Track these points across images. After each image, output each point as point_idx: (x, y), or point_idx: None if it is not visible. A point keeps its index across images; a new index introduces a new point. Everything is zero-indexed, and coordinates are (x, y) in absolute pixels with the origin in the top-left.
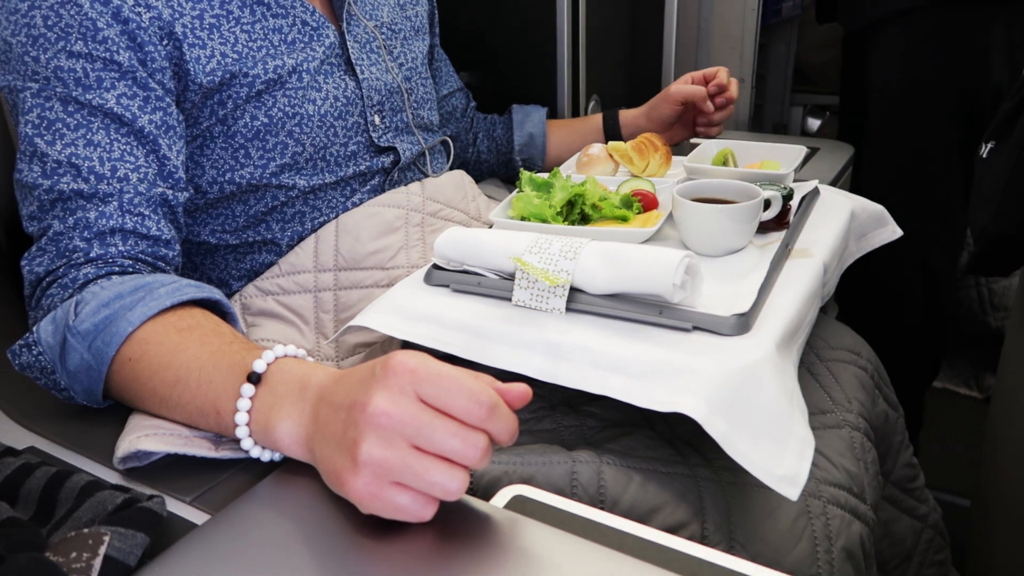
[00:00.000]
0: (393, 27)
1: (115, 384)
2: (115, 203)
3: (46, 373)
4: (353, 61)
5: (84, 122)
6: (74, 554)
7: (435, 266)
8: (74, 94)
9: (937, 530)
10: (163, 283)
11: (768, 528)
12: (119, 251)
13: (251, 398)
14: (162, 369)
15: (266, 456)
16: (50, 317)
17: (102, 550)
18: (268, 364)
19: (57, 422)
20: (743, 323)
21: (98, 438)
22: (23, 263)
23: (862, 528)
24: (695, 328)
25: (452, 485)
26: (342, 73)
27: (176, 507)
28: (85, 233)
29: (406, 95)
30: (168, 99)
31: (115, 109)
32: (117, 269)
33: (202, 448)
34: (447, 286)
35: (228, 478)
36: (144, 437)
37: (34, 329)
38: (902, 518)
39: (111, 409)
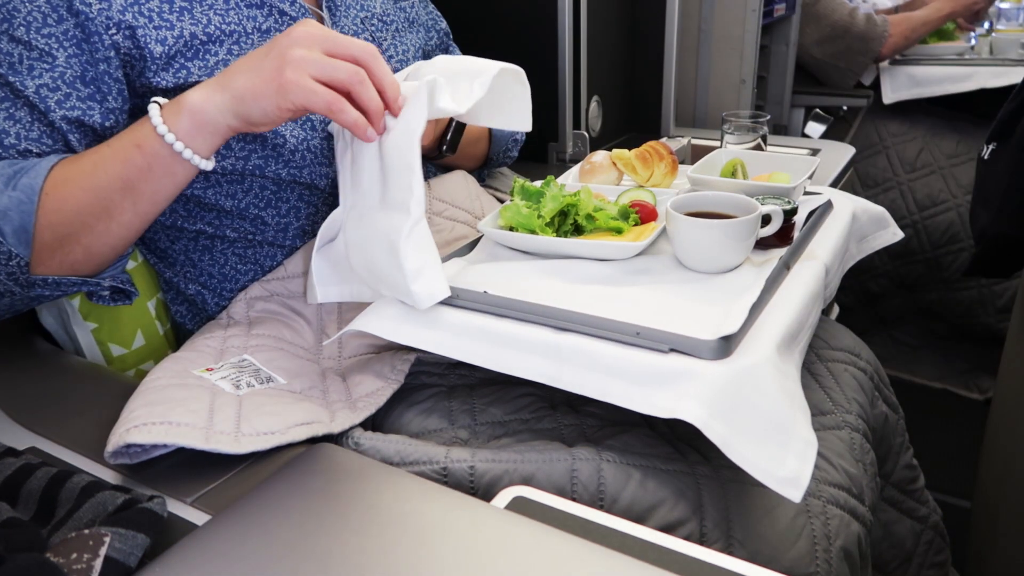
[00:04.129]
0: (385, 19)
1: (48, 221)
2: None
3: None
4: None
5: (10, 97)
6: (75, 555)
7: None
8: (3, 72)
9: (937, 531)
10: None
11: (767, 526)
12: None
13: (159, 106)
14: (78, 172)
15: (197, 161)
16: None
17: (102, 551)
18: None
19: (58, 422)
20: (724, 347)
21: (98, 438)
22: None
23: (860, 529)
24: (672, 350)
25: (357, 77)
26: None
27: (176, 508)
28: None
29: None
30: (103, 94)
31: (32, 98)
32: None
33: (192, 440)
34: None
35: (228, 479)
36: (133, 429)
37: None
38: (902, 520)
39: (113, 410)
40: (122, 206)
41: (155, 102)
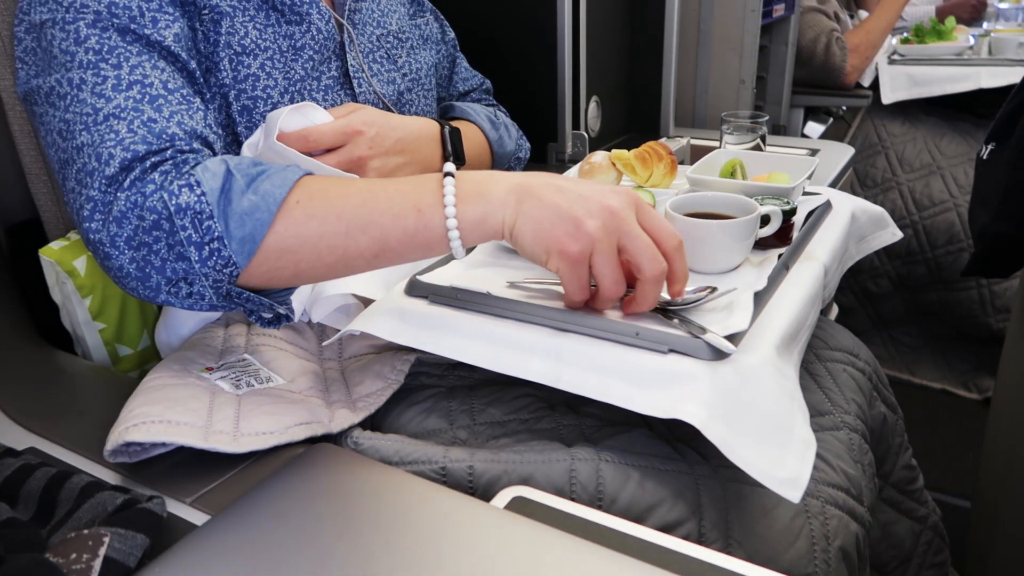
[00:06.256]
0: (400, 36)
1: (283, 229)
2: (199, 112)
3: (201, 219)
4: (351, 75)
5: (145, 51)
6: (74, 555)
7: (416, 277)
8: (132, 27)
9: (936, 532)
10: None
11: (765, 526)
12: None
13: (454, 185)
14: (341, 197)
15: (460, 253)
16: (203, 167)
17: (102, 551)
18: (456, 167)
19: (57, 422)
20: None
21: (98, 439)
22: (109, 147)
23: (858, 529)
24: (671, 351)
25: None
26: (339, 87)
27: (176, 508)
28: (183, 125)
29: (397, 110)
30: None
31: (173, 48)
32: None
33: (190, 439)
34: (426, 298)
35: (228, 479)
36: (132, 427)
37: (195, 170)
38: (901, 520)
39: (112, 410)
40: (360, 251)
41: (449, 172)
